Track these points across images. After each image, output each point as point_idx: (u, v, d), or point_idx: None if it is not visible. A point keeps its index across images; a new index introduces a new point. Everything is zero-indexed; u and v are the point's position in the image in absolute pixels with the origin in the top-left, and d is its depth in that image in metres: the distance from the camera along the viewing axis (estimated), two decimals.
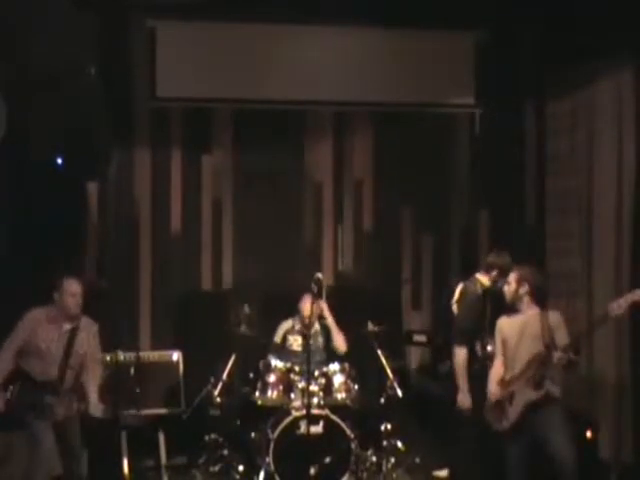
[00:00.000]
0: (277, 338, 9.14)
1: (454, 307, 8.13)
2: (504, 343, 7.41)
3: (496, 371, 7.38)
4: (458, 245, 10.61)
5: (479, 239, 10.58)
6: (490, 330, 7.58)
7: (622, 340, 8.54)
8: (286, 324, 9.17)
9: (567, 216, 9.57)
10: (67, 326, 7.54)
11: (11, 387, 7.35)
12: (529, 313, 7.36)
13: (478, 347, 7.84)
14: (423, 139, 10.44)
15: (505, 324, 7.45)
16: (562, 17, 9.20)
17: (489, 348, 7.77)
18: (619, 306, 6.86)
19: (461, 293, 8.08)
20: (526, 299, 7.39)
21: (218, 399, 8.73)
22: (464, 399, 7.77)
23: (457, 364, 7.82)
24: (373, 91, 10.23)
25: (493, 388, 7.34)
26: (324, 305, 8.86)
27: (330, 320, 8.97)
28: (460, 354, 7.81)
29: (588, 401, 8.86)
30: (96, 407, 7.47)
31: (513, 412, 7.22)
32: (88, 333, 7.64)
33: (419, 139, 10.41)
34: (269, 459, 8.14)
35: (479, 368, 7.77)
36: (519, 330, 7.31)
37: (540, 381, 7.16)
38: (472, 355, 7.83)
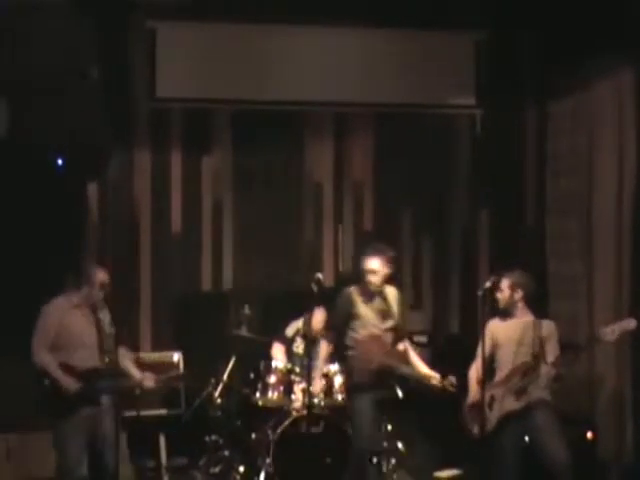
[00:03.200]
0: (289, 331, 9.03)
1: None
2: (495, 347, 7.34)
3: (476, 372, 7.30)
4: (458, 246, 10.61)
5: (479, 240, 10.57)
6: None
7: (623, 341, 8.51)
8: (297, 324, 9.04)
9: (567, 217, 9.55)
10: (87, 309, 7.41)
11: None
12: (524, 319, 7.31)
13: None
14: (423, 140, 10.43)
15: (499, 328, 7.37)
16: (562, 17, 9.19)
17: None
18: (612, 332, 6.84)
19: None
20: (520, 304, 7.34)
21: (218, 400, 8.71)
22: None
23: None
24: (373, 92, 10.22)
25: (473, 389, 7.30)
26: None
27: None
28: None
29: (588, 402, 8.86)
30: (146, 378, 7.49)
31: (492, 418, 7.18)
32: (105, 313, 7.55)
33: (419, 140, 10.40)
34: (269, 460, 8.14)
35: None
36: (517, 337, 7.25)
37: (522, 391, 7.12)
38: None
